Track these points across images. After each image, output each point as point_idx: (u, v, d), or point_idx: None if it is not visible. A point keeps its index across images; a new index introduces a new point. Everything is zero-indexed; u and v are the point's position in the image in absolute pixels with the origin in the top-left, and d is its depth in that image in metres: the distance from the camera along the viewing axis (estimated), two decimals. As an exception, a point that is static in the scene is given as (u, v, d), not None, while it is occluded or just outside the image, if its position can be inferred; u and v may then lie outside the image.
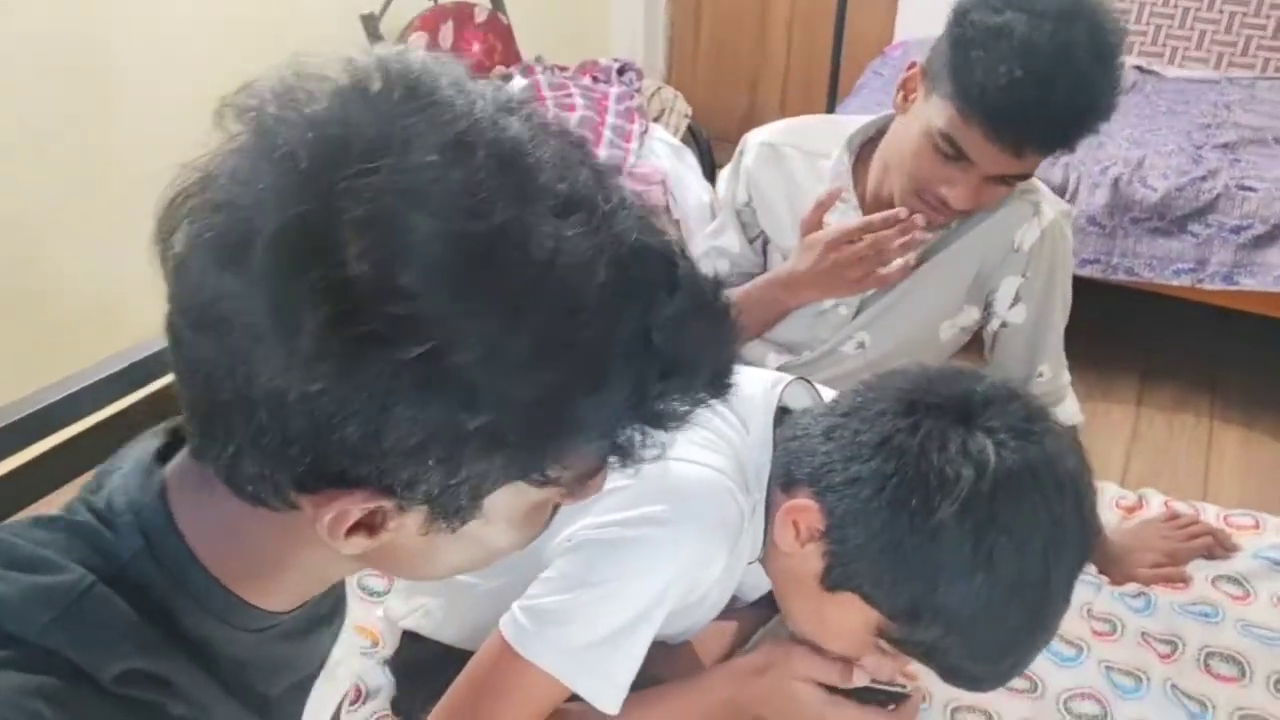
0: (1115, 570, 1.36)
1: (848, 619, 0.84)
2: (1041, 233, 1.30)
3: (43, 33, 1.86)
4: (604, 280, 0.44)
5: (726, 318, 0.51)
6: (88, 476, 1.11)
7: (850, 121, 1.40)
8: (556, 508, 0.59)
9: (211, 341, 0.45)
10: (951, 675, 0.83)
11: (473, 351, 0.42)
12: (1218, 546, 1.38)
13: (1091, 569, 1.36)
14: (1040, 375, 1.37)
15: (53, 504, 1.05)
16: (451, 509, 0.49)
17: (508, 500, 0.51)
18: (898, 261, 1.25)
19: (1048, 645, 0.81)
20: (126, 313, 2.07)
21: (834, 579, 0.83)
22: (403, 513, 0.49)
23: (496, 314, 0.43)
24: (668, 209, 2.32)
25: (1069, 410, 1.40)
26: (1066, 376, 1.41)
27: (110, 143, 2.01)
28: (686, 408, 0.50)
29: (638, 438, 0.50)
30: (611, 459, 0.51)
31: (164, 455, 0.56)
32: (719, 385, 0.51)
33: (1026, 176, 1.24)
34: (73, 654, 0.48)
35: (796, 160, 1.38)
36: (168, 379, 1.21)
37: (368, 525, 0.49)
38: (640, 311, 0.46)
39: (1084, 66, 1.09)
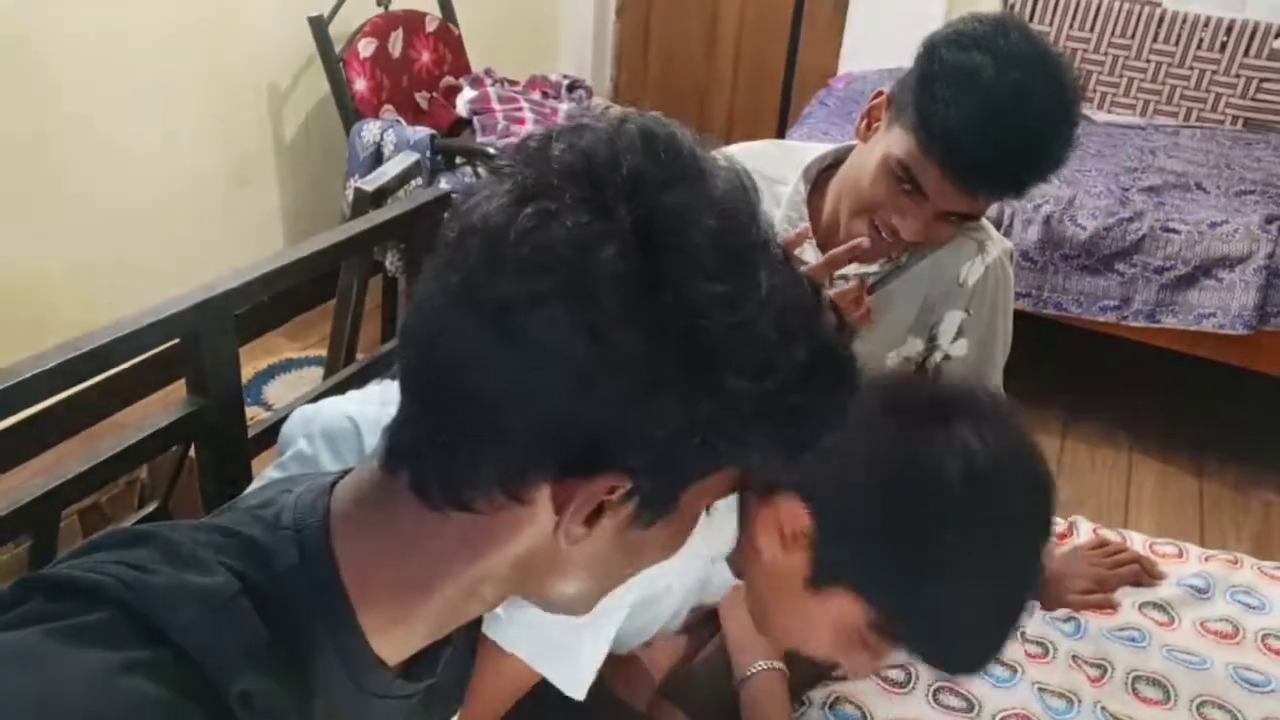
0: (1047, 596, 1.40)
1: (835, 617, 0.85)
2: (986, 269, 1.34)
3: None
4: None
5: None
6: (11, 474, 1.08)
7: (807, 149, 1.42)
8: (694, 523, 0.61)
9: (495, 338, 0.48)
10: (935, 661, 0.86)
11: (749, 330, 0.49)
12: (1144, 574, 1.43)
13: (1024, 594, 1.40)
14: (980, 406, 1.41)
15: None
16: (666, 497, 0.53)
17: (696, 497, 0.56)
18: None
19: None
20: (54, 307, 2.01)
21: (822, 579, 0.85)
22: (627, 501, 0.52)
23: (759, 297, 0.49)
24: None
25: (1006, 442, 1.44)
26: (1005, 409, 1.45)
27: (41, 136, 1.95)
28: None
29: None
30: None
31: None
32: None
33: (976, 217, 1.28)
34: (206, 660, 0.49)
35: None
36: (98, 378, 1.16)
37: (594, 515, 0.53)
38: None
39: (1041, 119, 1.12)
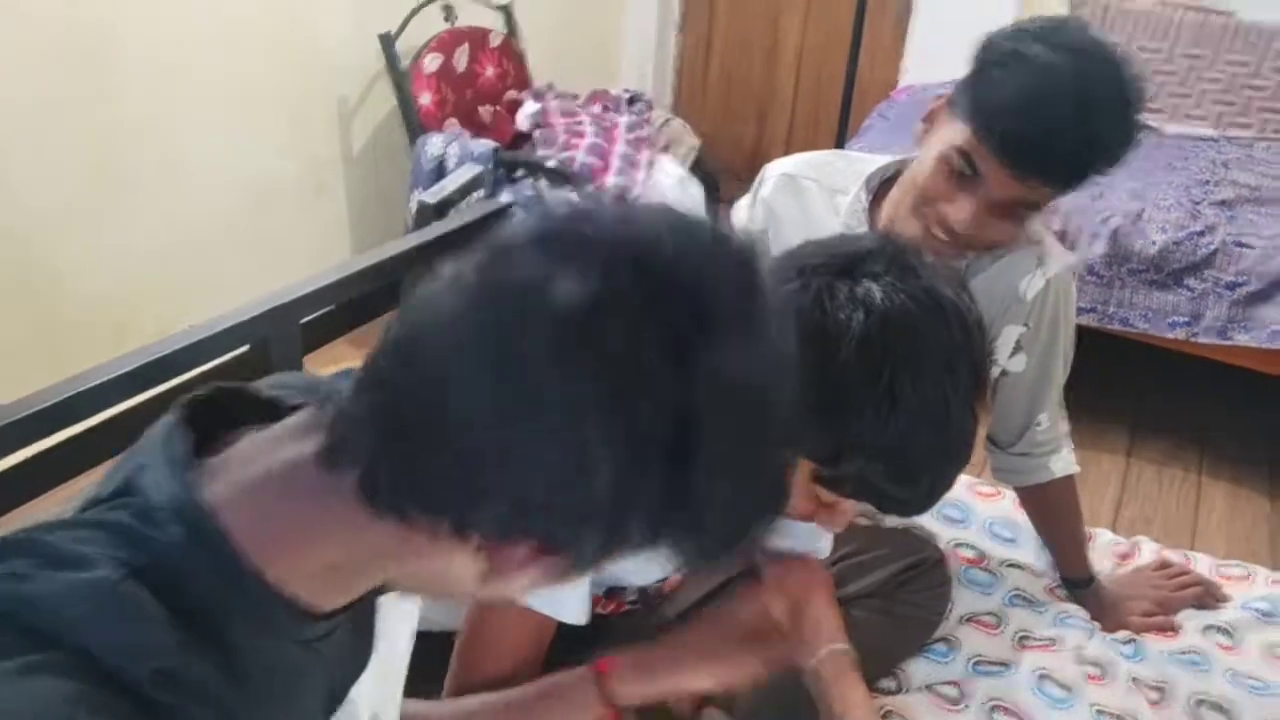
0: (1108, 617, 1.37)
1: None
2: (1046, 283, 1.32)
3: (47, 18, 1.82)
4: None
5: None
6: (89, 474, 1.12)
7: (869, 160, 1.41)
8: None
9: (515, 416, 0.47)
10: (882, 502, 0.88)
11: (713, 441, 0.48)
12: (1208, 597, 1.40)
13: (1085, 614, 1.38)
14: (1039, 424, 1.38)
15: (53, 499, 1.06)
16: (600, 560, 0.53)
17: None
18: None
19: (964, 466, 0.85)
20: (132, 314, 2.08)
21: None
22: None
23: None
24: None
25: (1065, 460, 1.41)
26: (1065, 426, 1.42)
27: (115, 144, 2.01)
28: None
29: None
30: None
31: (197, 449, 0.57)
32: None
33: (1031, 207, 1.23)
34: (103, 654, 0.48)
35: (814, 194, 1.40)
36: (173, 382, 1.21)
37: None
38: None
39: (1097, 102, 1.11)
